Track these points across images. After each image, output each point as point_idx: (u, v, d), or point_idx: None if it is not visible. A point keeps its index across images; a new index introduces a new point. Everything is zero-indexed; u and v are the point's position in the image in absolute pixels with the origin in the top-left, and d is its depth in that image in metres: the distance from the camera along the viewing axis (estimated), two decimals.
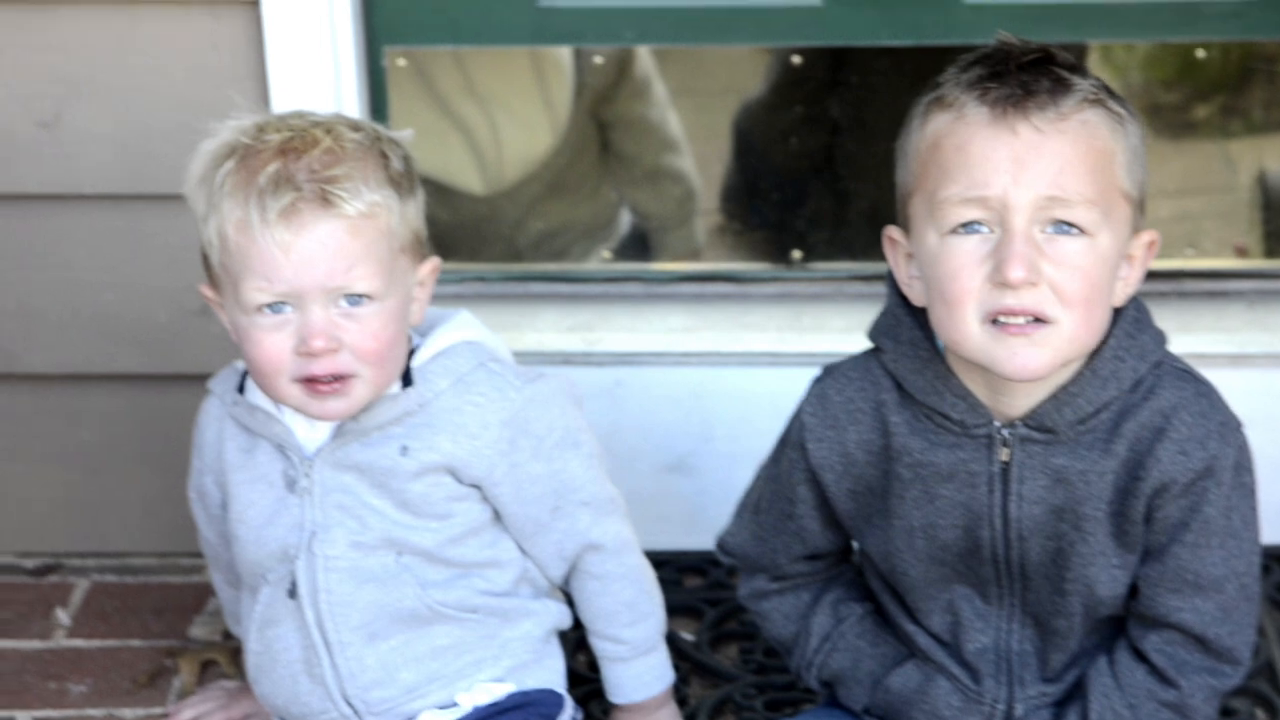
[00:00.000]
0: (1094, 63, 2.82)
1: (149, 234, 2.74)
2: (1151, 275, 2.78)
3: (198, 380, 2.37)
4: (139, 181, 2.71)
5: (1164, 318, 2.74)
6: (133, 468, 2.86)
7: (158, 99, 2.69)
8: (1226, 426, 2.06)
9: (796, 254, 2.91)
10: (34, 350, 2.82)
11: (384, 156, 2.11)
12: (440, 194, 2.93)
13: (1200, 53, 2.82)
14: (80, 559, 2.91)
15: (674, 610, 2.70)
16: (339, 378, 2.09)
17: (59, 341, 2.82)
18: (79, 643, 2.71)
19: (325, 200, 2.04)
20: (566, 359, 2.82)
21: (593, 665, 2.40)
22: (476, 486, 2.19)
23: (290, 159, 2.05)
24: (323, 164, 2.05)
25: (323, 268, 2.05)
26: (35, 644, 2.71)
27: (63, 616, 2.77)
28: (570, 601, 2.33)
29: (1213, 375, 2.14)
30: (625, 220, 2.97)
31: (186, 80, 2.69)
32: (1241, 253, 2.90)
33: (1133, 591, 2.12)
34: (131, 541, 2.90)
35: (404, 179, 2.12)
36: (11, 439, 2.87)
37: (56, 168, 2.74)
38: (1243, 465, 2.08)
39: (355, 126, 2.12)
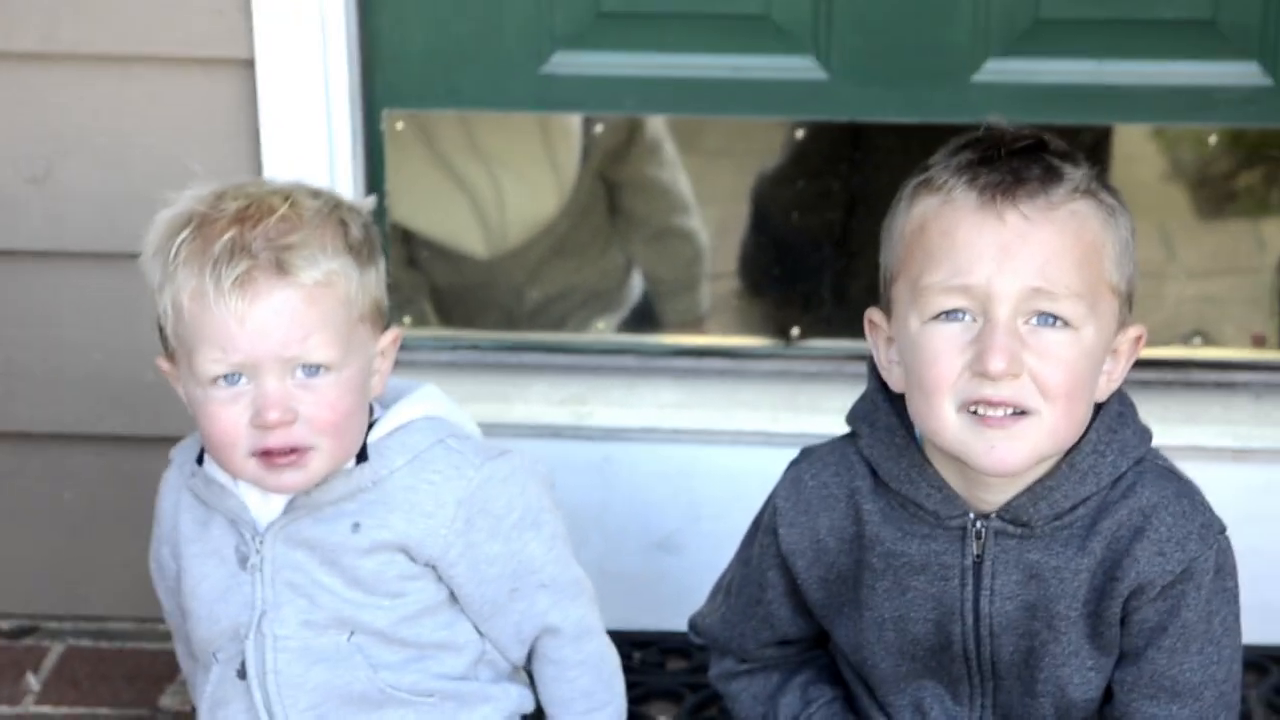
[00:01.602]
0: (1104, 145, 2.77)
1: (137, 294, 2.67)
2: (1159, 364, 2.77)
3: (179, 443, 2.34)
4: (128, 240, 2.63)
5: (1170, 408, 2.72)
6: (114, 530, 2.83)
7: (149, 158, 2.69)
8: (1208, 528, 1.99)
9: (795, 331, 2.87)
10: (18, 408, 2.80)
11: (343, 224, 2.07)
12: (438, 258, 2.91)
13: (1213, 138, 2.77)
14: (58, 621, 2.88)
15: (654, 694, 2.67)
16: (295, 450, 2.04)
17: (44, 400, 2.80)
18: (47, 710, 2.68)
19: (280, 268, 2.00)
20: (555, 432, 2.78)
21: None
22: (431, 566, 2.14)
23: (246, 227, 2.02)
24: (279, 231, 2.02)
25: (278, 336, 2.01)
26: (3, 710, 2.67)
27: (33, 682, 2.74)
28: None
29: (1215, 469, 2.11)
30: (625, 288, 2.94)
31: (178, 140, 2.68)
32: (1259, 342, 2.84)
33: (1107, 696, 2.05)
34: (110, 605, 2.87)
35: (364, 246, 2.08)
36: None
37: (45, 225, 2.73)
38: (1224, 569, 2.01)
39: (314, 194, 2.09)
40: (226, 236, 2.01)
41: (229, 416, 2.04)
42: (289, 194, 2.06)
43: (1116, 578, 1.97)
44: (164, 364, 2.13)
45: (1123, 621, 1.99)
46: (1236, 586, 2.03)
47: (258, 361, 2.01)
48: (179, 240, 2.04)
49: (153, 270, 2.08)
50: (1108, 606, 1.98)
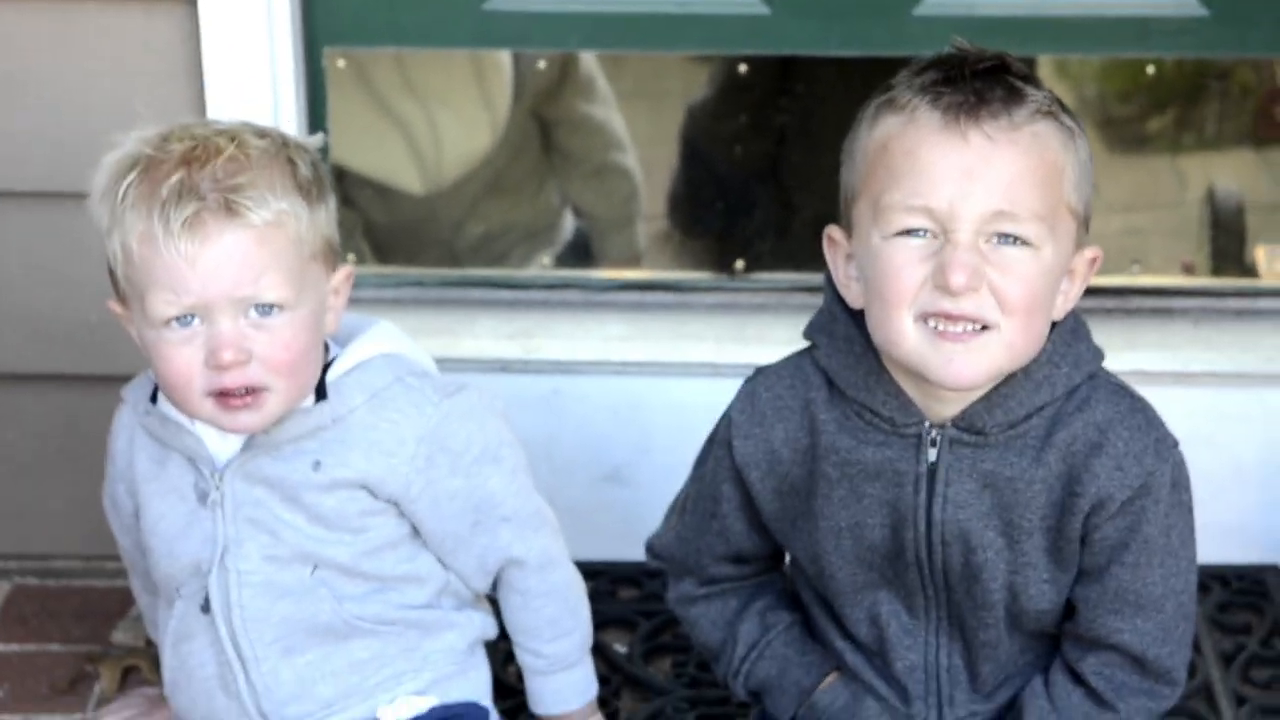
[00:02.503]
0: (1043, 77, 2.80)
1: (82, 233, 2.67)
2: (1098, 292, 2.80)
3: (127, 382, 2.33)
4: (72, 179, 2.62)
5: (1109, 334, 2.74)
6: (59, 469, 2.82)
7: (91, 97, 2.66)
8: (1163, 443, 2.03)
9: (739, 264, 2.89)
10: None
11: (291, 163, 2.07)
12: (380, 197, 2.90)
13: (1150, 68, 2.80)
14: (2, 560, 2.86)
15: (607, 622, 2.69)
16: (251, 390, 2.04)
17: None
18: None
19: (230, 210, 2.00)
20: (504, 366, 2.79)
21: (521, 677, 2.36)
22: (393, 503, 2.16)
23: (193, 168, 2.01)
24: (226, 172, 2.01)
25: (229, 277, 2.01)
26: None
27: None
28: (498, 609, 2.30)
29: (1157, 393, 2.13)
30: (567, 224, 2.94)
31: (120, 78, 2.66)
32: (1189, 270, 2.89)
33: (1069, 613, 2.09)
34: (55, 544, 2.86)
35: (313, 185, 2.08)
36: None
37: None
38: (1179, 483, 2.06)
39: (261, 133, 2.08)
40: (174, 179, 2.00)
41: (183, 358, 2.03)
42: (235, 134, 2.05)
43: (1076, 493, 2.01)
44: (115, 306, 2.13)
45: (1083, 539, 2.03)
46: (1191, 499, 2.07)
47: (210, 303, 2.01)
48: (126, 183, 2.03)
49: (100, 214, 2.07)
50: (1068, 523, 2.02)
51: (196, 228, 1.99)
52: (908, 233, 1.94)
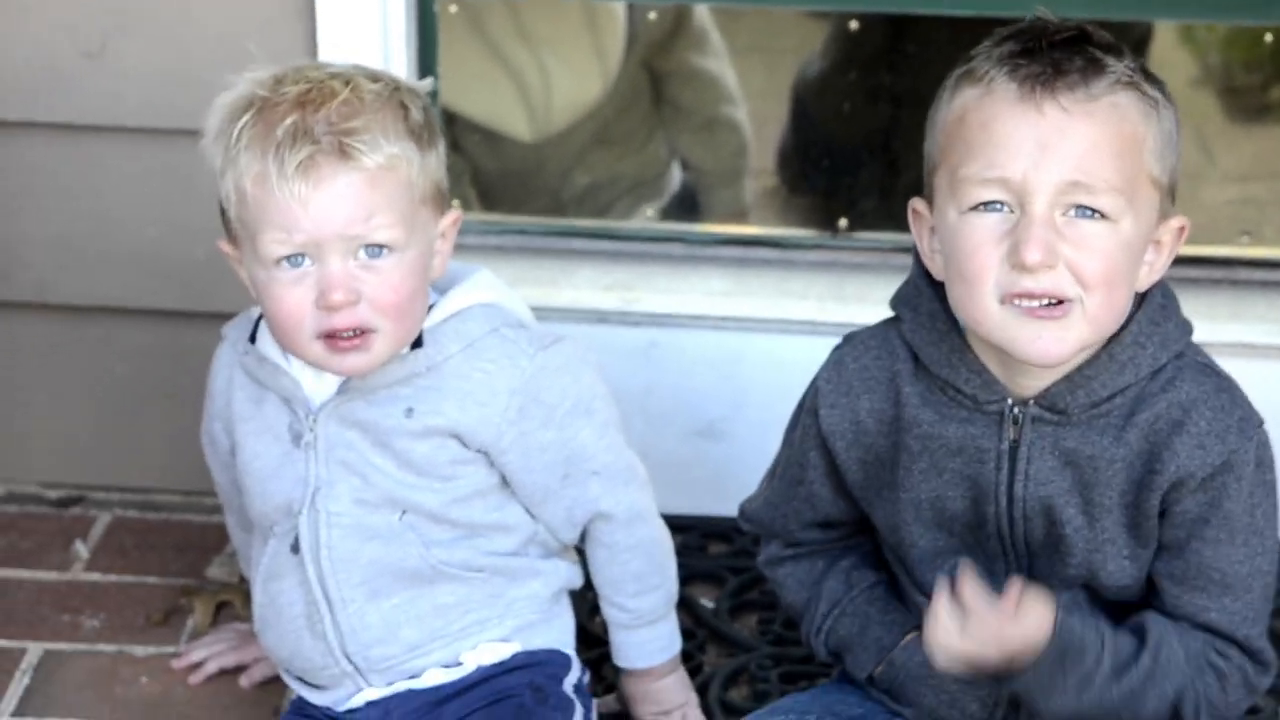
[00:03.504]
0: (1159, 44, 2.76)
1: (192, 170, 2.70)
2: (1204, 262, 2.77)
3: (230, 319, 2.36)
4: (183, 116, 2.66)
5: (1215, 305, 2.72)
6: (162, 404, 2.85)
7: (205, 34, 2.68)
8: (1246, 422, 2.01)
9: (843, 222, 2.87)
10: (71, 281, 2.82)
11: (403, 107, 2.08)
12: (488, 144, 2.91)
13: (1269, 36, 2.75)
14: (104, 492, 2.91)
15: (695, 576, 2.70)
16: (359, 332, 2.06)
17: (94, 273, 2.81)
18: (96, 577, 2.72)
19: (343, 153, 2.01)
20: (602, 317, 2.79)
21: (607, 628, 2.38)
22: (484, 452, 2.17)
23: (308, 111, 2.02)
24: (341, 116, 2.02)
25: (342, 217, 2.02)
26: (52, 575, 2.72)
27: (82, 549, 2.77)
28: (585, 559, 2.31)
29: (1263, 366, 2.11)
30: (673, 177, 2.94)
31: (234, 17, 2.67)
32: None
33: (1152, 589, 2.07)
34: (156, 478, 2.90)
35: (424, 130, 2.09)
36: (41, 369, 2.87)
37: (100, 99, 2.72)
38: (1264, 462, 2.03)
39: (374, 77, 2.09)
40: (289, 121, 2.02)
41: (293, 298, 2.05)
42: (349, 78, 2.07)
43: (1156, 470, 1.99)
44: (226, 247, 2.15)
45: (1163, 514, 2.02)
46: (1275, 479, 2.05)
47: (321, 242, 2.03)
48: (240, 125, 2.05)
49: (214, 154, 2.09)
50: (1146, 498, 2.00)
51: (310, 170, 2.01)
52: (984, 206, 1.93)
